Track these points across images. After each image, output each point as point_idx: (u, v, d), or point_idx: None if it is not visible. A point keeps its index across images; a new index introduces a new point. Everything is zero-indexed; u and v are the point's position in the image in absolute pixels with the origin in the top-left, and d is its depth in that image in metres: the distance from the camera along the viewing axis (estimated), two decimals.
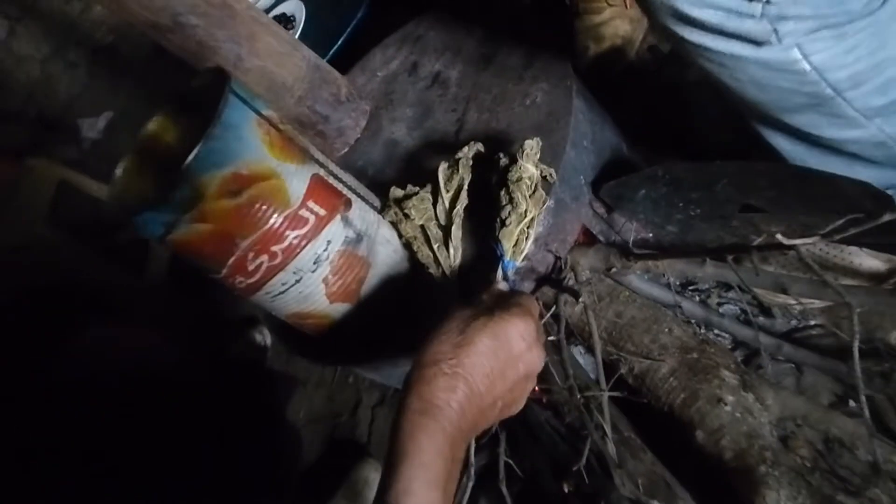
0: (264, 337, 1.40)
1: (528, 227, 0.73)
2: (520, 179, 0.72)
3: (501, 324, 0.59)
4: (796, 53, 0.61)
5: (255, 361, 1.38)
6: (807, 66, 0.62)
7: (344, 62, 1.17)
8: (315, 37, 1.38)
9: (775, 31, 0.59)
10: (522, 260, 0.73)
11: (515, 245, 0.72)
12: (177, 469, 0.88)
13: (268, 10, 1.52)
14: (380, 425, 1.29)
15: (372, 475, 1.19)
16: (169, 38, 0.84)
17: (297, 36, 1.41)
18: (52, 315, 0.96)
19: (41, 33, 1.95)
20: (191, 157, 0.63)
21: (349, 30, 1.32)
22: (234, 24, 0.85)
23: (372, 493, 1.13)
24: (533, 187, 0.73)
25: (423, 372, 0.56)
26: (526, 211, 0.72)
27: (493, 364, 0.57)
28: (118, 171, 0.75)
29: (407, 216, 0.80)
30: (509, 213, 0.71)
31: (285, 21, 1.46)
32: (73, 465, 0.82)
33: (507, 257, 0.70)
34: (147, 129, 0.76)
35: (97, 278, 1.18)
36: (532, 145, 0.73)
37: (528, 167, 0.72)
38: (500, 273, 0.69)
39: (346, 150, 1.02)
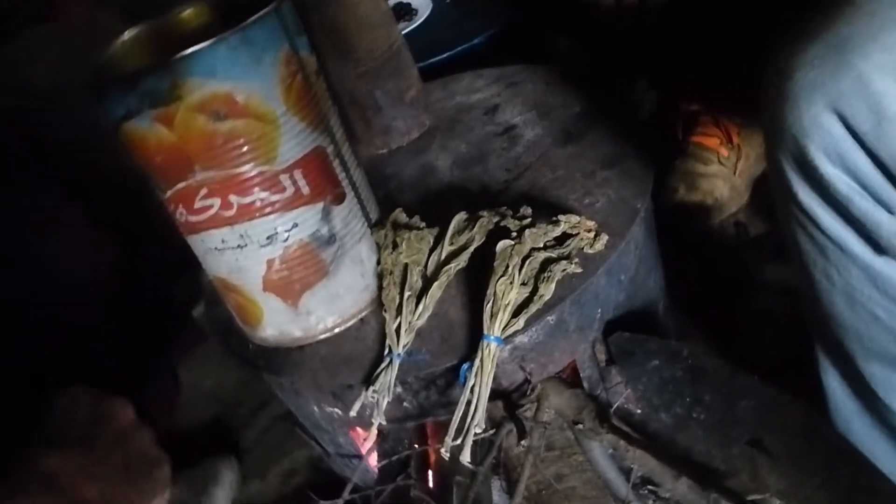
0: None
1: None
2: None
3: None
4: None
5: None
6: None
7: (429, 77, 1.07)
8: (424, 39, 1.30)
9: None
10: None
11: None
12: None
13: None
14: (271, 438, 1.16)
15: (224, 473, 1.05)
16: None
17: (409, 28, 1.33)
18: None
19: None
20: (189, 50, 0.52)
21: (457, 50, 1.23)
22: None
23: (218, 490, 1.02)
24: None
25: None
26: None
27: None
28: (125, 35, 0.64)
29: (395, 246, 0.68)
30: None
31: (406, 10, 1.38)
32: None
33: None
34: (182, 11, 0.66)
35: None
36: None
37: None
38: None
39: (384, 151, 0.91)
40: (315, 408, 0.74)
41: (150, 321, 1.17)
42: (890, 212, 0.44)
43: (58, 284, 0.85)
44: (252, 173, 0.58)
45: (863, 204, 0.45)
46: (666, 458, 0.68)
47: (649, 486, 0.80)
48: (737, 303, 0.99)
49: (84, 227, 1.02)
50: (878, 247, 0.46)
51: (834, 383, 0.62)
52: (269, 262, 0.63)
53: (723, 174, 1.15)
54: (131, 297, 1.07)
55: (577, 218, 0.66)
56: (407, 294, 0.65)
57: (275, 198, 0.60)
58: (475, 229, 0.67)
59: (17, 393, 0.70)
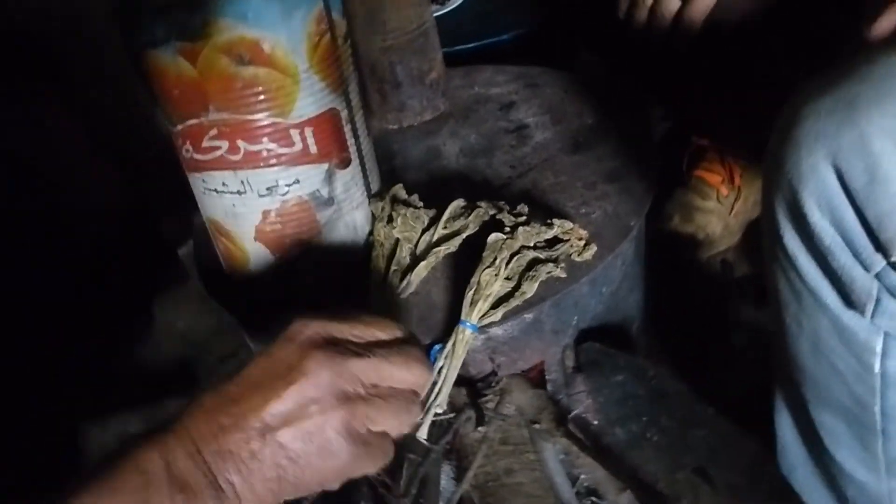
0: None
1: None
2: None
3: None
4: (877, 343, 0.48)
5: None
6: (876, 366, 0.49)
7: (451, 63, 1.07)
8: (452, 26, 1.30)
9: (878, 301, 0.46)
10: None
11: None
12: None
13: None
14: None
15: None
16: None
17: (440, 12, 1.33)
18: None
19: None
20: None
21: (483, 42, 1.24)
22: None
23: None
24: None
25: None
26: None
27: None
28: None
29: (391, 220, 0.69)
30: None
31: None
32: None
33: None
34: None
35: None
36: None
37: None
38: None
39: (395, 127, 0.92)
40: None
41: (136, 254, 1.17)
42: (866, 270, 0.45)
43: (59, 205, 0.85)
44: (264, 122, 0.59)
45: (842, 258, 0.46)
46: (614, 472, 0.70)
47: (593, 498, 0.82)
48: (710, 336, 1.01)
49: (88, 153, 1.02)
50: (849, 300, 0.47)
51: (785, 426, 0.64)
52: (265, 213, 0.64)
53: (719, 211, 1.17)
54: (130, 227, 1.08)
55: (571, 225, 0.67)
56: (393, 268, 0.66)
57: (282, 151, 0.61)
58: (470, 218, 0.68)
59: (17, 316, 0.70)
